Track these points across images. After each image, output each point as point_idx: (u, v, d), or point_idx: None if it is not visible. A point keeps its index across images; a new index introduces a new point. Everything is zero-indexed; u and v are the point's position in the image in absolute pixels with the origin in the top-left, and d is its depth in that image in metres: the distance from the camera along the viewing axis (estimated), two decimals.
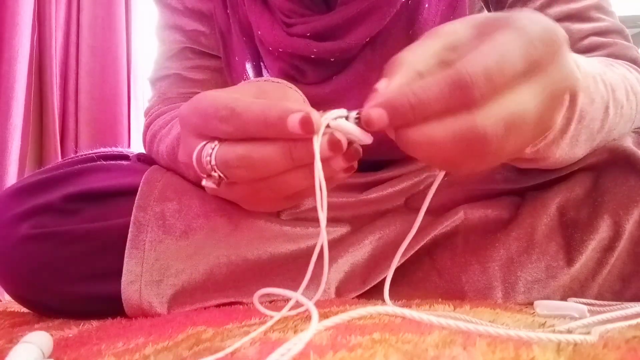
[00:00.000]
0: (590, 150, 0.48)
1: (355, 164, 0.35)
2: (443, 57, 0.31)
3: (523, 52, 0.28)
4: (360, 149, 0.32)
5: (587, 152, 0.48)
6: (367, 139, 0.31)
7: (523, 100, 0.29)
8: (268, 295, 0.52)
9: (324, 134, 0.31)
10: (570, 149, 0.43)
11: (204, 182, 0.36)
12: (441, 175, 0.36)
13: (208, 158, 0.34)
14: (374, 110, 0.29)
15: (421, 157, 0.31)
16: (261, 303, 0.51)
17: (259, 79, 0.42)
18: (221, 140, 0.35)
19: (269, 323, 0.34)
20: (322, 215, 0.31)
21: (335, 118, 0.31)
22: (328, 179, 0.32)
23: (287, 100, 0.36)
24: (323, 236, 0.31)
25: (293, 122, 0.30)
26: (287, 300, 0.51)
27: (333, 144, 0.31)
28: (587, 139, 0.44)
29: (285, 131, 0.31)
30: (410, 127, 0.29)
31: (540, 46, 0.29)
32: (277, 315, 0.35)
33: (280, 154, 0.32)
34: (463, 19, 0.33)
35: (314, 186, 0.31)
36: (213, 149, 0.34)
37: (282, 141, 0.32)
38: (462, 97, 0.28)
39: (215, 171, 0.34)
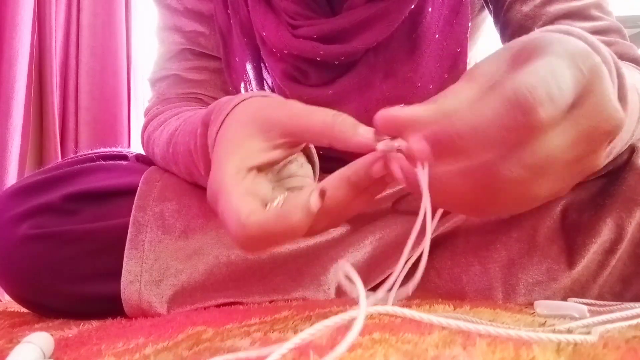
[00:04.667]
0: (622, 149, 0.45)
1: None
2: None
3: (572, 77, 0.24)
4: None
5: (623, 149, 0.45)
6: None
7: (553, 144, 0.24)
8: (268, 295, 0.52)
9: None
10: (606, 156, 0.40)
11: None
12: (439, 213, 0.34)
13: None
14: (416, 143, 0.25)
15: (435, 196, 0.28)
16: (260, 303, 0.51)
17: (233, 104, 0.37)
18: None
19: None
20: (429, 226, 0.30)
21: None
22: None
23: (302, 112, 0.33)
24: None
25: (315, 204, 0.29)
26: (287, 300, 0.52)
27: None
28: (619, 150, 0.42)
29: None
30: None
31: (586, 72, 0.24)
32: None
33: (349, 186, 0.30)
34: (495, 54, 0.28)
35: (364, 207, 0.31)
36: None
37: (351, 171, 0.30)
38: (524, 120, 0.22)
39: None
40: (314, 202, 0.30)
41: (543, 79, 0.23)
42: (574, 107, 0.24)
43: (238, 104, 0.37)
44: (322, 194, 0.30)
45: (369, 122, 0.30)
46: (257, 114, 0.34)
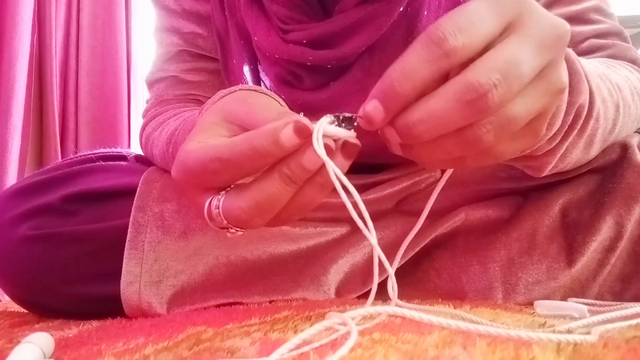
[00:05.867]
0: (600, 151, 0.47)
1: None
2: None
3: (537, 57, 0.27)
4: (359, 142, 0.31)
5: (598, 152, 0.47)
6: (352, 137, 0.31)
7: (521, 107, 0.28)
8: (268, 295, 0.52)
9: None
10: (585, 148, 0.43)
11: (229, 235, 0.35)
12: (445, 177, 0.35)
13: (220, 218, 0.32)
14: (368, 105, 0.28)
15: (420, 154, 0.30)
16: (260, 303, 0.51)
17: (220, 96, 0.40)
18: (222, 189, 0.33)
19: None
20: (355, 207, 0.30)
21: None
22: (327, 186, 0.31)
23: (259, 109, 0.34)
24: (373, 239, 0.30)
25: (288, 135, 0.29)
26: (287, 300, 0.52)
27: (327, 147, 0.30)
28: (600, 139, 0.44)
29: (283, 150, 0.29)
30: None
31: (552, 47, 0.28)
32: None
33: (279, 182, 0.30)
34: None
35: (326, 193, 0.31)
36: (219, 207, 0.32)
37: (275, 170, 0.30)
38: (439, 50, 0.27)
39: (232, 228, 0.33)
40: (288, 134, 0.29)
41: (450, 17, 0.27)
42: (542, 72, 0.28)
43: (224, 96, 0.39)
44: (300, 130, 0.29)
45: None
46: (225, 105, 0.36)
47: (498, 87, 0.26)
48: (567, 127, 0.38)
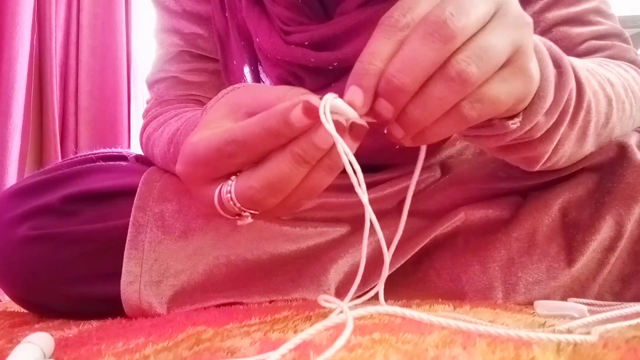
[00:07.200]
0: (596, 148, 0.48)
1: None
2: None
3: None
4: (366, 123, 0.31)
5: (594, 148, 0.47)
6: (359, 118, 0.31)
7: (491, 38, 0.29)
8: (268, 295, 0.52)
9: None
10: (577, 140, 0.43)
11: (239, 223, 0.35)
12: (422, 152, 0.36)
13: (231, 202, 0.33)
14: (348, 93, 0.30)
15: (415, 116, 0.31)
16: (260, 303, 0.51)
17: (224, 93, 0.40)
18: (231, 175, 0.34)
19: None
20: (362, 194, 0.32)
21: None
22: (336, 168, 0.32)
23: (265, 91, 0.36)
24: (369, 211, 0.32)
25: (297, 116, 0.30)
26: (287, 300, 0.52)
27: (336, 125, 0.30)
28: (593, 133, 0.44)
29: (294, 130, 0.30)
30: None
31: None
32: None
33: (292, 161, 0.31)
34: None
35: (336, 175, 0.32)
36: (230, 192, 0.33)
37: (287, 149, 0.31)
38: (440, 38, 0.28)
39: (245, 211, 0.34)
40: (297, 114, 0.30)
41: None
42: (503, 17, 0.30)
43: (228, 93, 0.39)
44: (309, 110, 0.29)
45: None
46: (230, 98, 0.37)
47: (454, 15, 0.28)
48: (561, 107, 0.38)
